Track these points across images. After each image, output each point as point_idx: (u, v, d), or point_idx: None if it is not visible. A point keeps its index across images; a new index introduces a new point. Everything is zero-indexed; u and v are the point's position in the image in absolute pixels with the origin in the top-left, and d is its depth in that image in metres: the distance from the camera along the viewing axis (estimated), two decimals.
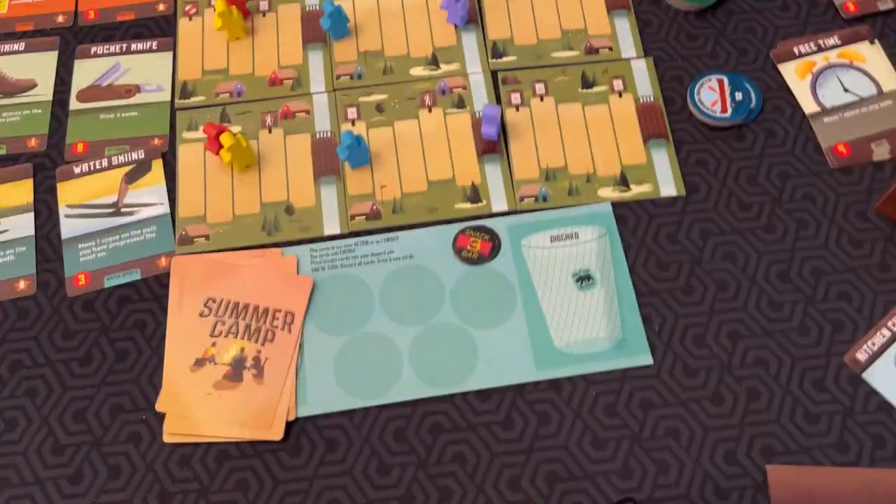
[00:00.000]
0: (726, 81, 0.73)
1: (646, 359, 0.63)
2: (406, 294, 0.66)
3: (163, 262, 0.67)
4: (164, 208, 0.69)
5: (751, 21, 0.77)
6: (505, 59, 0.76)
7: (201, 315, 0.63)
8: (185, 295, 0.64)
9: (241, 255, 0.67)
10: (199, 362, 0.62)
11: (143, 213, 0.69)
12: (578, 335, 0.64)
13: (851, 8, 0.77)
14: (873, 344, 0.63)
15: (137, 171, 0.71)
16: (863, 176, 0.70)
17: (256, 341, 0.63)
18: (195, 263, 0.65)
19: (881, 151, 0.71)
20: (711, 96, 0.73)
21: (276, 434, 0.60)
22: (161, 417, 0.61)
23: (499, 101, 0.74)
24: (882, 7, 0.77)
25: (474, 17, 0.77)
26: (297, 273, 0.66)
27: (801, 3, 0.78)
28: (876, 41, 0.76)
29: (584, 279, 0.66)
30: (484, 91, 0.74)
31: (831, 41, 0.76)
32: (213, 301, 0.64)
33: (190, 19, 0.78)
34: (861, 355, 0.63)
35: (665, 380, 0.63)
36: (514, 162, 0.71)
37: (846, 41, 0.76)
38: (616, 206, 0.69)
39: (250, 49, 0.77)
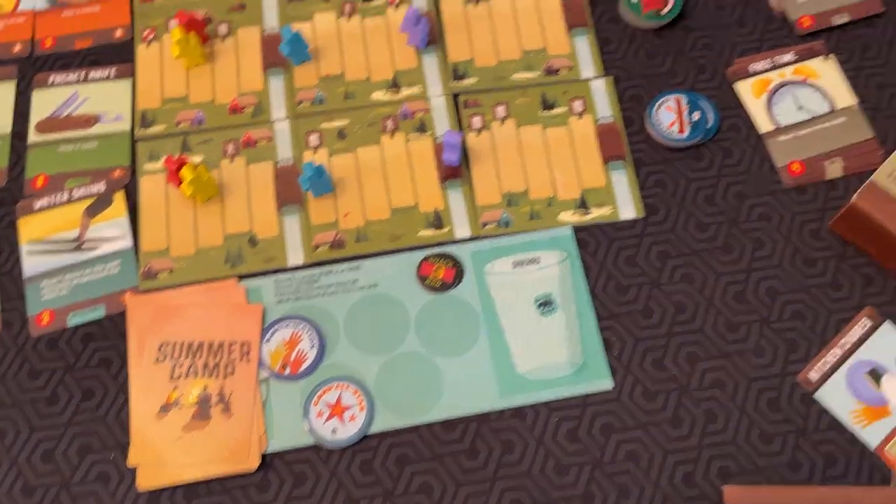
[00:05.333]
0: (684, 101, 0.74)
1: (606, 383, 0.64)
2: (371, 324, 0.66)
3: (127, 297, 0.67)
4: (127, 242, 0.69)
5: (708, 38, 0.78)
6: (466, 81, 0.76)
7: (157, 361, 0.64)
8: (140, 341, 0.65)
9: (195, 290, 0.67)
10: (165, 408, 0.62)
11: (106, 248, 0.69)
12: (541, 361, 0.65)
13: (806, 23, 0.78)
14: (825, 363, 0.65)
15: (98, 205, 0.70)
16: (817, 194, 0.72)
17: (218, 376, 0.64)
18: (144, 309, 0.66)
19: (834, 169, 0.72)
20: (669, 117, 0.74)
21: (254, 463, 0.61)
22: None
23: (460, 124, 0.75)
24: (837, 22, 0.78)
25: (435, 39, 0.77)
26: (258, 303, 0.66)
27: (757, 18, 0.79)
28: (831, 55, 0.77)
29: (545, 304, 0.67)
30: (446, 114, 0.75)
31: (786, 57, 0.77)
32: (167, 345, 0.64)
33: (148, 45, 0.78)
34: (813, 375, 0.64)
35: (625, 403, 0.64)
36: (476, 187, 0.72)
37: (801, 57, 0.77)
38: (577, 229, 0.70)
39: (210, 75, 0.76)
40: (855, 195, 0.65)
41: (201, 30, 0.76)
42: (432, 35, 0.78)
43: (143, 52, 0.77)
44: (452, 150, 0.70)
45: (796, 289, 0.68)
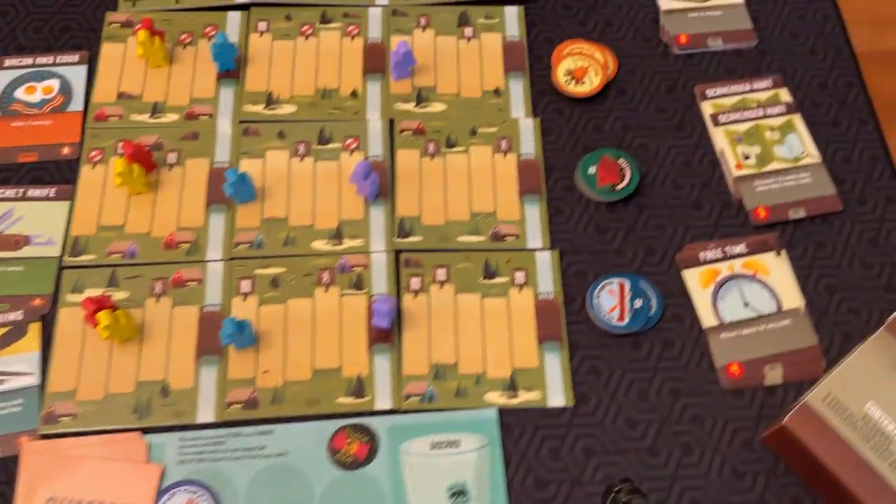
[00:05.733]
0: (627, 286, 0.72)
1: None
2: (272, 498, 0.63)
3: (22, 442, 0.64)
4: (34, 379, 0.66)
5: (662, 218, 0.77)
6: (410, 238, 0.74)
7: None
8: (28, 494, 0.61)
9: (95, 441, 0.63)
10: None
11: (11, 384, 0.66)
12: None
13: (762, 214, 0.77)
14: None
15: (11, 335, 0.68)
16: (753, 400, 0.69)
17: None
18: (38, 458, 0.62)
19: (773, 375, 0.70)
20: (610, 302, 0.72)
21: None
22: None
23: (398, 284, 0.73)
24: (793, 216, 0.77)
25: (385, 191, 0.76)
26: (158, 463, 0.63)
27: (714, 202, 0.78)
28: (783, 252, 0.75)
29: (458, 494, 0.64)
30: (385, 272, 0.73)
31: (738, 249, 0.75)
32: (55, 501, 0.61)
33: (93, 167, 0.76)
34: None
35: None
36: (405, 355, 0.69)
37: (753, 250, 0.75)
38: (502, 411, 0.68)
39: (151, 205, 0.74)
40: (787, 416, 0.63)
41: (148, 159, 0.75)
42: (384, 186, 0.77)
43: (87, 174, 0.76)
44: (382, 318, 0.68)
45: (721, 503, 0.65)
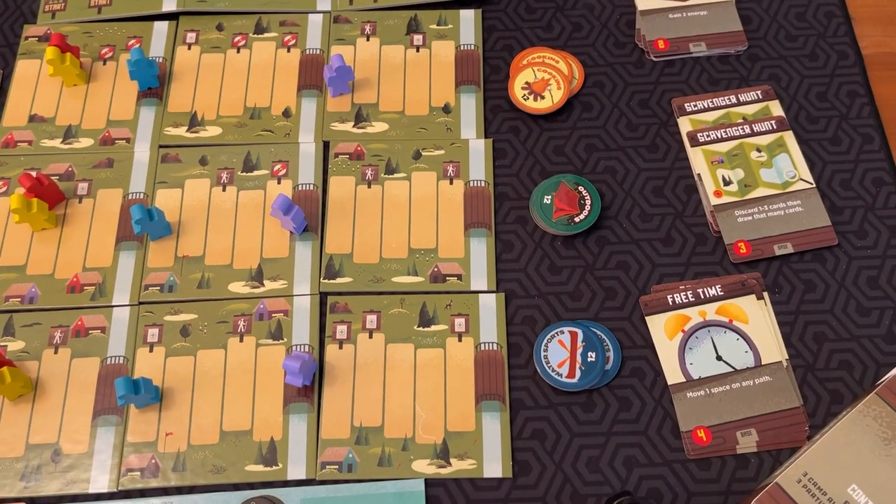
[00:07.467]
0: (580, 336, 0.64)
1: None
2: None
3: None
4: None
5: (626, 254, 0.68)
6: (339, 280, 0.67)
7: None
8: None
9: None
10: None
11: None
12: None
13: (743, 249, 0.67)
14: None
15: None
16: (722, 470, 0.60)
17: None
18: None
19: (747, 442, 0.61)
20: (560, 354, 0.63)
21: None
22: None
23: (322, 332, 0.65)
24: (779, 251, 0.67)
25: (314, 225, 0.69)
26: None
27: (687, 236, 0.68)
28: (765, 295, 0.66)
29: None
30: (307, 319, 0.65)
31: (713, 291, 0.66)
32: None
33: None
34: None
35: None
36: (324, 417, 0.62)
37: (729, 293, 0.66)
38: (430, 483, 0.60)
39: (56, 243, 0.68)
40: (754, 500, 0.54)
41: (52, 192, 0.68)
42: (313, 220, 0.69)
43: None
44: (294, 377, 0.61)
45: None
